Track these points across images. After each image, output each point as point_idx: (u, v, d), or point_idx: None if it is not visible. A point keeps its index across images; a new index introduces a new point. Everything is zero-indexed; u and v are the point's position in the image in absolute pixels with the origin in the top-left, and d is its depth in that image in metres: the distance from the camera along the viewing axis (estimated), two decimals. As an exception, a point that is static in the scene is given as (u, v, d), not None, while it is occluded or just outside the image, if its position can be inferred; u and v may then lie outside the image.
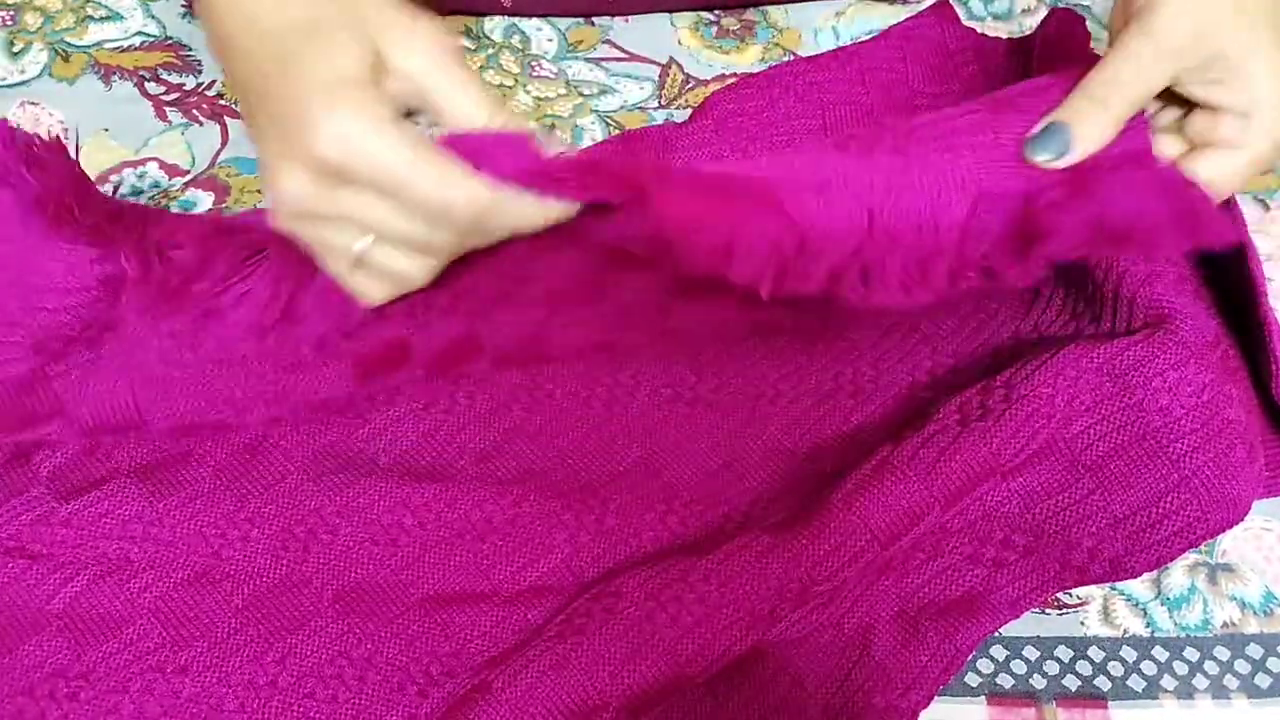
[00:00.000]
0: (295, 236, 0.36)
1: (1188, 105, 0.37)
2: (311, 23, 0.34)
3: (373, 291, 0.37)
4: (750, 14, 0.55)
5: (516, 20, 0.54)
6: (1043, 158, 0.35)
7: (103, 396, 0.41)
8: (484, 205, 0.34)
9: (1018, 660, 0.38)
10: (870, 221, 0.35)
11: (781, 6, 0.56)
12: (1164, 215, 0.35)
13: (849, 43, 0.54)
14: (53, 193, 0.41)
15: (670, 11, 0.55)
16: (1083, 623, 0.39)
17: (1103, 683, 0.38)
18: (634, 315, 0.42)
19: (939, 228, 0.35)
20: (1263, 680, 0.38)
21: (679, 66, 0.53)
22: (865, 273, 0.35)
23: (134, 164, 0.49)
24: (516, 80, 0.52)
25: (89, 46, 0.53)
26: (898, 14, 0.55)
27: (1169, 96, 0.37)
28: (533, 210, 0.35)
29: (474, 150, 0.34)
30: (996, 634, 0.38)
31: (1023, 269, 0.35)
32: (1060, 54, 0.46)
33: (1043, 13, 0.54)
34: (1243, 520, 0.38)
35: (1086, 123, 0.35)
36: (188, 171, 0.49)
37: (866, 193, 0.35)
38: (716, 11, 0.55)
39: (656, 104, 0.52)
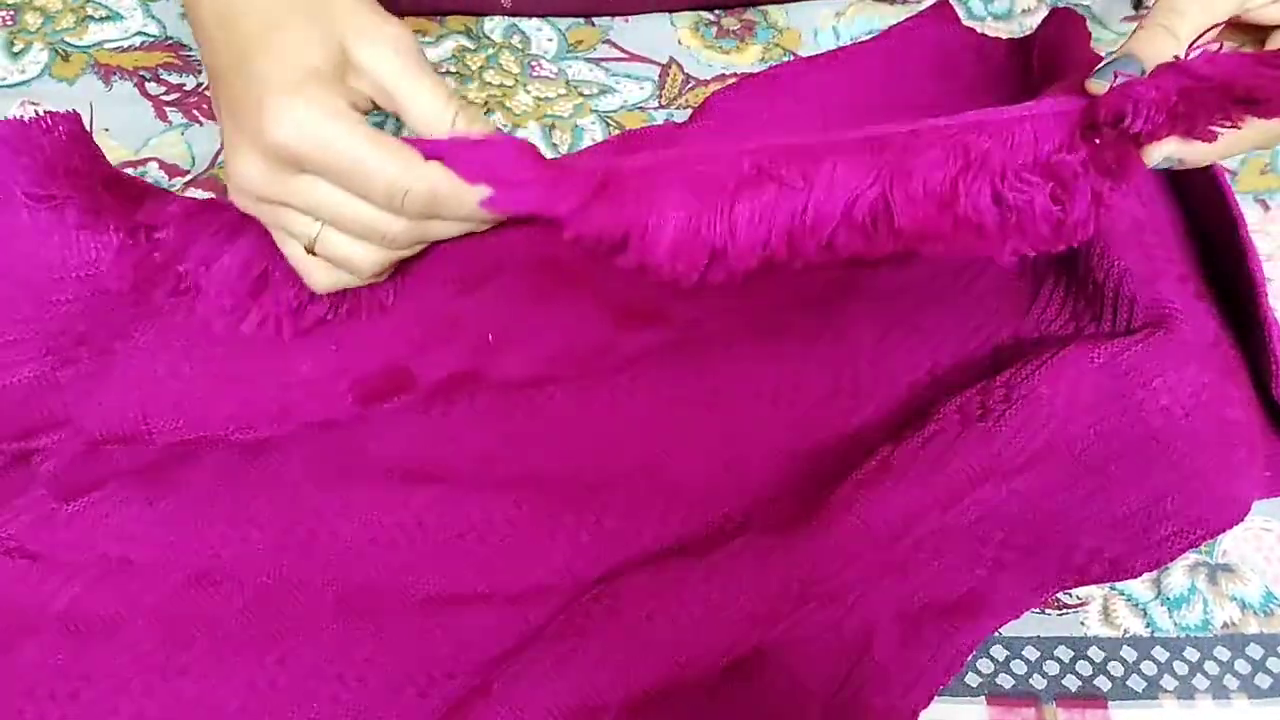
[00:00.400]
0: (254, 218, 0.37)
1: (1264, 32, 0.36)
2: (280, 15, 0.35)
3: (320, 278, 0.38)
4: (750, 14, 0.55)
5: (516, 20, 0.54)
6: (1099, 84, 0.34)
7: (112, 408, 0.41)
8: (441, 192, 0.35)
9: (1018, 660, 0.38)
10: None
11: (781, 6, 0.56)
12: None
13: (849, 43, 0.54)
14: (63, 157, 0.40)
15: (670, 12, 0.55)
16: (1083, 623, 0.39)
17: (1103, 683, 0.38)
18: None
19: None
20: (1263, 680, 0.38)
21: (679, 66, 0.53)
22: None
23: (134, 164, 0.49)
24: (516, 80, 0.52)
25: (89, 46, 0.53)
26: (898, 14, 0.55)
27: (1245, 30, 0.36)
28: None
29: (439, 153, 0.35)
30: (996, 634, 0.39)
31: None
32: (1060, 54, 0.46)
33: (1043, 13, 0.54)
34: (1243, 521, 0.38)
35: (1157, 52, 0.34)
36: (188, 171, 0.49)
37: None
38: (716, 11, 0.55)
39: (656, 104, 0.52)
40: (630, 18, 0.55)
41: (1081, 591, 0.40)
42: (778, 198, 0.34)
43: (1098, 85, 0.33)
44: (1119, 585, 0.40)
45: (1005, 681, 0.38)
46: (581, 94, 0.52)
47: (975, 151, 0.33)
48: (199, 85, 0.52)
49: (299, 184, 0.35)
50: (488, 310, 0.43)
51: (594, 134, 0.51)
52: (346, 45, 0.35)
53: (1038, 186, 0.33)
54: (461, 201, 0.35)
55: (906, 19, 0.54)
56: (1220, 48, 0.34)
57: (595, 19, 0.55)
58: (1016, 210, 0.33)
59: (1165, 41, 0.34)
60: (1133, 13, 0.56)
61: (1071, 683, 0.38)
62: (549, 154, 0.50)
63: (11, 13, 0.54)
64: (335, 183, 0.35)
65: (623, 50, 0.54)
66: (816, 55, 0.53)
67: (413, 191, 0.34)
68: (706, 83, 0.53)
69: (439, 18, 0.54)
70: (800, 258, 0.35)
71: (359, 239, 0.37)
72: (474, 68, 0.53)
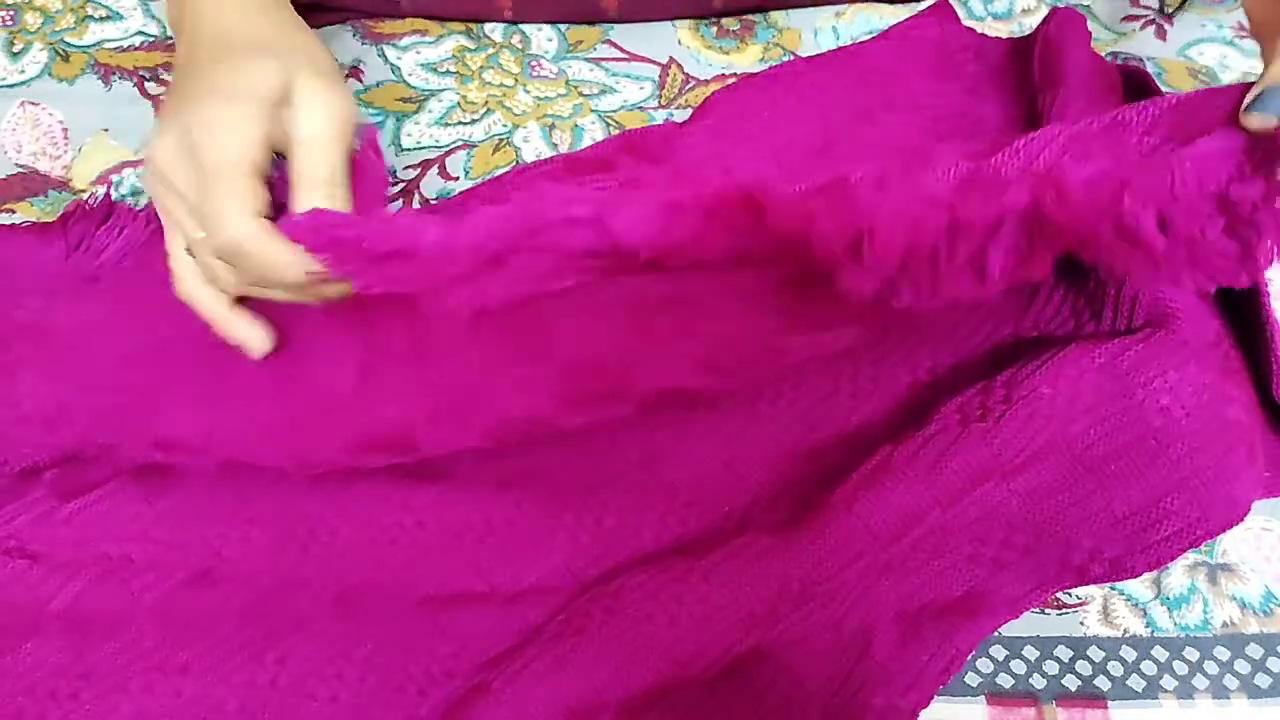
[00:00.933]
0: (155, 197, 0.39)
1: None
2: (252, 37, 0.39)
3: (183, 284, 0.40)
4: (750, 14, 0.55)
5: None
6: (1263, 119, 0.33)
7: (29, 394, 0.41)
8: (245, 252, 0.36)
9: (1017, 660, 0.38)
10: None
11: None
12: None
13: (849, 43, 0.54)
14: None
15: (672, 19, 0.55)
16: (1082, 622, 0.39)
17: (1102, 682, 0.38)
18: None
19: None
20: (1262, 680, 0.38)
21: (679, 66, 0.53)
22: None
23: (134, 164, 0.49)
24: (516, 80, 0.52)
25: (89, 46, 0.53)
26: (898, 14, 0.55)
27: None
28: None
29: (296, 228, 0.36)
30: (996, 634, 0.39)
31: None
32: (1060, 54, 0.46)
33: (1043, 13, 0.54)
34: (1243, 521, 0.38)
35: None
36: (188, 171, 0.49)
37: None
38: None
39: (656, 104, 0.52)
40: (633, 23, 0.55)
41: (1081, 591, 0.40)
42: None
43: (1261, 120, 0.32)
44: (1119, 585, 0.40)
45: (1005, 681, 0.38)
46: (581, 94, 0.52)
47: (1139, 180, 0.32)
48: (199, 85, 0.52)
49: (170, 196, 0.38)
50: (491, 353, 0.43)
51: (594, 134, 0.51)
52: (294, 93, 0.38)
53: (1210, 218, 0.32)
54: (266, 266, 0.36)
55: (906, 19, 0.54)
56: None
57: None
58: (1187, 241, 0.32)
59: None
60: (1131, 12, 0.56)
61: (1071, 682, 0.38)
62: (549, 154, 0.50)
63: (11, 12, 0.54)
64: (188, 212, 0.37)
65: (623, 50, 0.54)
66: (817, 55, 0.53)
67: (220, 243, 0.36)
68: (706, 83, 0.53)
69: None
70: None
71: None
72: (474, 67, 0.53)
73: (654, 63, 0.53)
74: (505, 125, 0.51)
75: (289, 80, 0.38)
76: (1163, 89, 0.52)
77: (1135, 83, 0.46)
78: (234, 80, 0.38)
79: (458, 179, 0.49)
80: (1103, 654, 0.38)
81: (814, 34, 0.54)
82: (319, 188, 0.37)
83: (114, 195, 0.48)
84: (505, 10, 0.53)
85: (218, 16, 0.40)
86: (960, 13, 0.54)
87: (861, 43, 0.53)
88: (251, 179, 0.36)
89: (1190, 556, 0.40)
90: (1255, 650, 0.38)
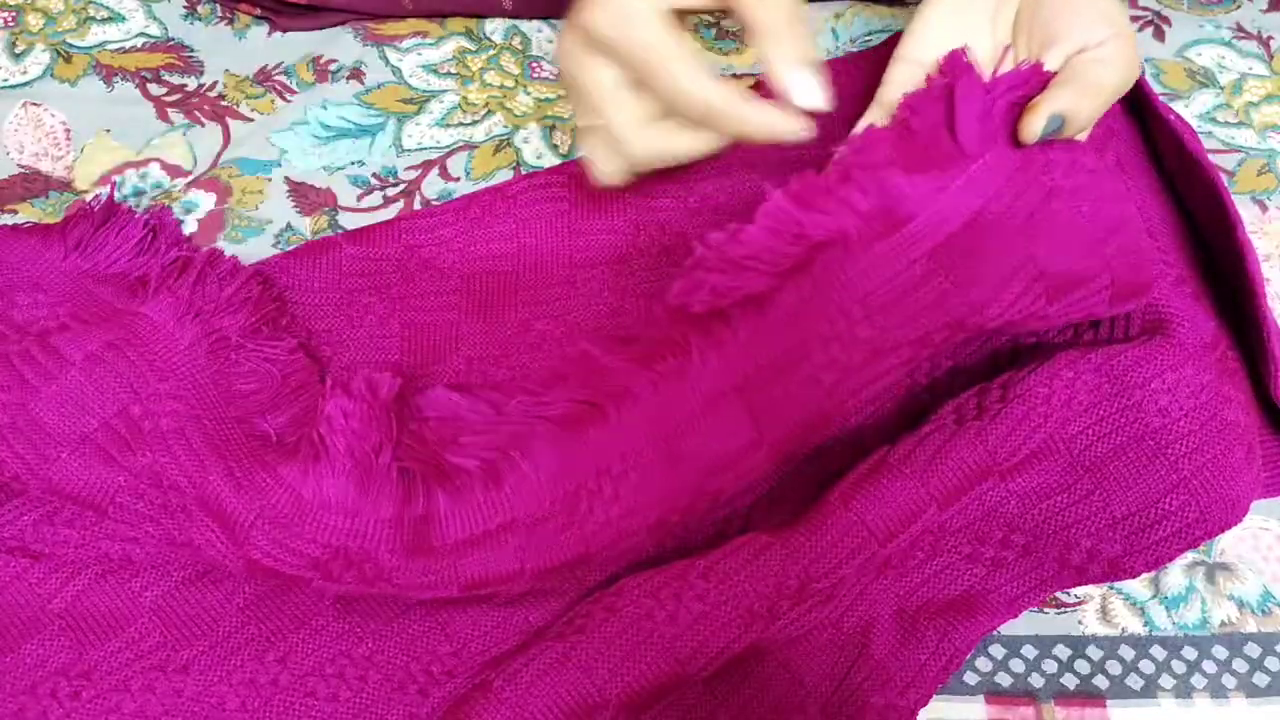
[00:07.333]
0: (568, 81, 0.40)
1: None
2: None
3: (596, 158, 0.41)
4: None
5: (517, 21, 0.55)
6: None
7: None
8: (713, 108, 0.36)
9: (1016, 659, 0.38)
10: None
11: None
12: None
13: (847, 44, 0.54)
14: None
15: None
16: (1081, 621, 0.39)
17: (1101, 681, 0.38)
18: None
19: None
20: (1260, 679, 0.38)
21: (679, 68, 0.53)
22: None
23: (136, 165, 0.49)
24: (517, 81, 0.53)
25: (91, 48, 0.53)
26: (896, 15, 0.55)
27: None
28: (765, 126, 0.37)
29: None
30: (995, 633, 0.39)
31: None
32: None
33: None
34: (1241, 521, 0.38)
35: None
36: (189, 172, 0.49)
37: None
38: (717, 13, 0.55)
39: (656, 105, 0.52)
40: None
41: (1080, 590, 0.40)
42: None
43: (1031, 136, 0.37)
44: (1117, 584, 0.40)
45: (1004, 680, 0.38)
46: (582, 95, 0.52)
47: None
48: (200, 86, 0.52)
49: (598, 66, 0.38)
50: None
51: (594, 135, 0.51)
52: None
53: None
54: (734, 121, 0.37)
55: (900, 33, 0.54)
56: None
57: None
58: None
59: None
60: (1130, 13, 0.56)
61: (1070, 681, 0.38)
62: (549, 156, 0.50)
63: (13, 14, 0.54)
64: (643, 73, 0.37)
65: (623, 51, 0.54)
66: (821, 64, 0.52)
67: (693, 100, 0.36)
68: (706, 84, 0.53)
69: (440, 19, 0.55)
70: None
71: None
72: (474, 69, 0.53)
73: (654, 64, 0.53)
74: (506, 126, 0.51)
75: None
76: (1158, 91, 0.52)
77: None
78: None
79: (459, 180, 0.49)
80: (1101, 653, 0.39)
81: (813, 35, 0.55)
82: (782, 34, 0.36)
83: (116, 196, 0.48)
84: (505, 2, 0.54)
85: None
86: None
87: (866, 52, 0.53)
88: (678, 45, 0.36)
89: (1188, 556, 0.40)
90: (1253, 649, 0.38)
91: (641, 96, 0.38)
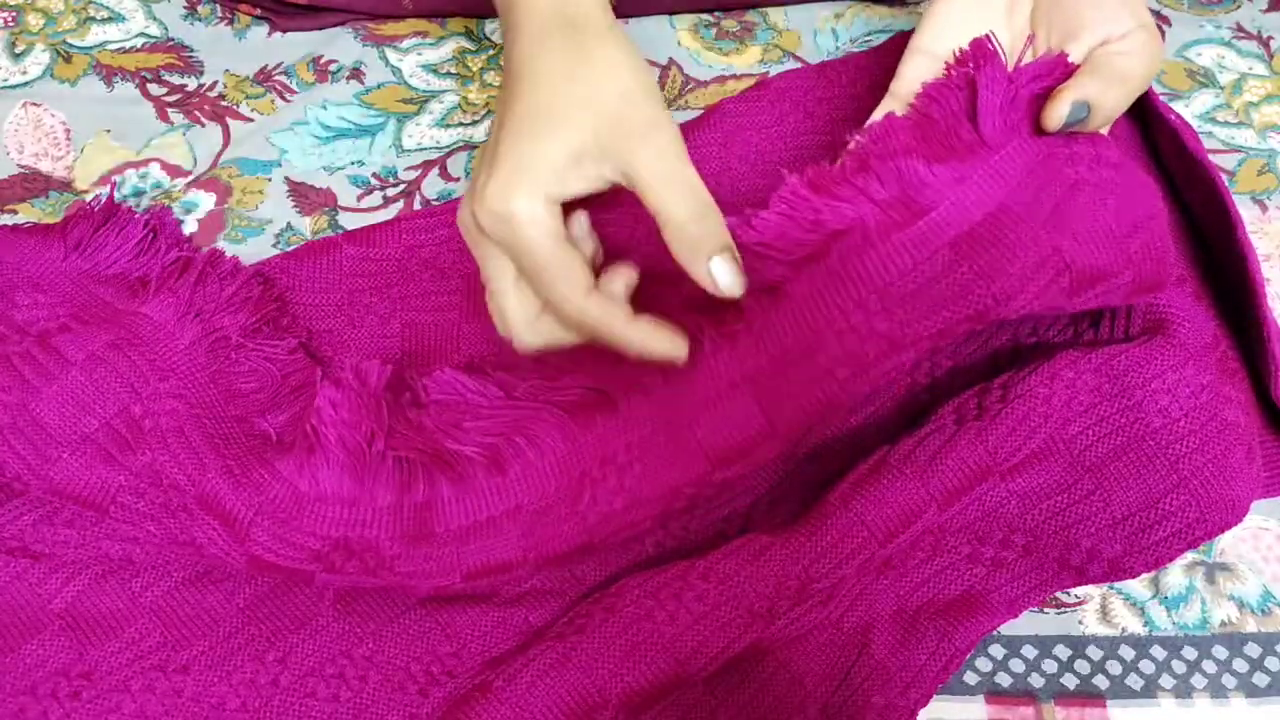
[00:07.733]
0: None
1: None
2: (563, 78, 0.35)
3: (498, 323, 0.38)
4: (750, 15, 0.55)
5: (517, 22, 0.55)
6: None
7: None
8: (588, 325, 0.35)
9: (1016, 659, 0.38)
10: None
11: (781, 8, 0.56)
12: None
13: (847, 44, 0.54)
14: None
15: (670, 14, 0.55)
16: (1081, 622, 0.39)
17: (1101, 681, 0.38)
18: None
19: None
20: (1260, 679, 0.38)
21: (679, 68, 0.53)
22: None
23: (136, 165, 0.49)
24: (517, 81, 0.53)
25: (91, 48, 0.53)
26: (895, 15, 0.55)
27: None
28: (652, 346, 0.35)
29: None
30: (995, 633, 0.39)
31: None
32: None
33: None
34: (1241, 521, 0.38)
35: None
36: (189, 172, 0.49)
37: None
38: (716, 13, 0.55)
39: (656, 105, 0.52)
40: (630, 19, 0.55)
41: (1080, 590, 0.40)
42: None
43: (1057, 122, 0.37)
44: (1117, 584, 0.40)
45: (1004, 680, 0.38)
46: (582, 95, 0.52)
47: None
48: (200, 86, 0.52)
49: (489, 249, 0.36)
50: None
51: (594, 135, 0.51)
52: (622, 153, 0.35)
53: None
54: (612, 339, 0.35)
55: (905, 33, 0.54)
56: None
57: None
58: None
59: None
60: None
61: (1070, 681, 0.38)
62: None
63: (13, 14, 0.54)
64: (523, 272, 0.35)
65: (623, 52, 0.54)
66: (824, 65, 0.52)
67: (576, 316, 0.35)
68: (706, 84, 0.53)
69: (440, 20, 0.55)
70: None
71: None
72: (474, 69, 0.53)
73: (654, 64, 0.53)
74: (506, 126, 0.51)
75: (595, 129, 0.35)
76: (1159, 91, 0.52)
77: None
78: (532, 150, 0.35)
79: (459, 180, 0.49)
80: (1101, 653, 0.39)
81: (813, 35, 0.55)
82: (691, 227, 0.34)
83: (116, 196, 0.48)
84: None
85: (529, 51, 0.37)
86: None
87: (868, 52, 0.53)
88: (569, 256, 0.35)
89: (1188, 556, 0.40)
90: (1253, 649, 0.38)
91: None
